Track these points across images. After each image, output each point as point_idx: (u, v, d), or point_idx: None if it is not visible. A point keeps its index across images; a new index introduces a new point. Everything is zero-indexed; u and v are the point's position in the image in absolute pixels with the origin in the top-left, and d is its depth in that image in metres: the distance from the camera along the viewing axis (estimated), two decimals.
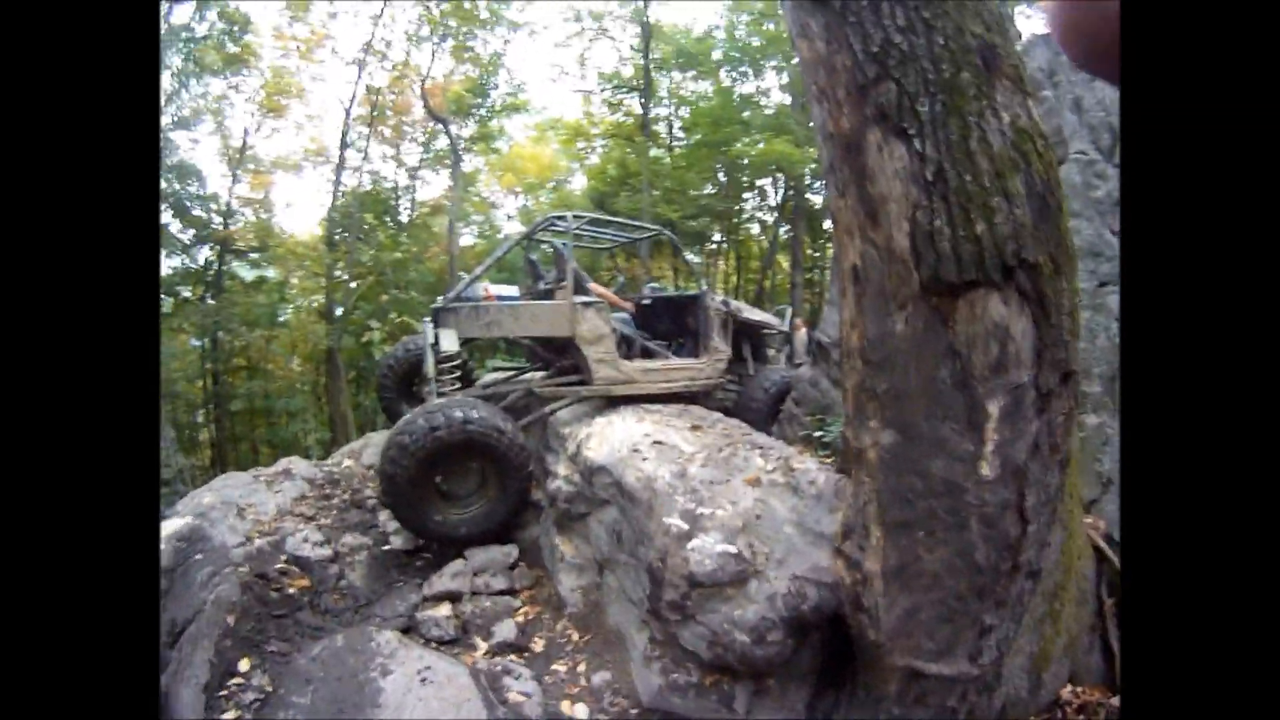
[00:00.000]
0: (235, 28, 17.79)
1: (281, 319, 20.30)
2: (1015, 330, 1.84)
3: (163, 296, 19.06)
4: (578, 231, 6.10)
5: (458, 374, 5.47)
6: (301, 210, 35.84)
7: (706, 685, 3.21)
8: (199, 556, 4.78)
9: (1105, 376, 3.37)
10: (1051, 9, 0.33)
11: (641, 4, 19.72)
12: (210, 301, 18.94)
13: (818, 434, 4.78)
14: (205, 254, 19.67)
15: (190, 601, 4.33)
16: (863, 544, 2.35)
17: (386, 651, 4.05)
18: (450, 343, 5.21)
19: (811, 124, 2.90)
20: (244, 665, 3.92)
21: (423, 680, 3.75)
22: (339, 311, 19.53)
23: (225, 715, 3.54)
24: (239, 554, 4.83)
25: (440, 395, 5.17)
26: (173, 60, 16.84)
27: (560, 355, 6.08)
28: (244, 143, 19.75)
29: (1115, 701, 3.07)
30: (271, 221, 21.13)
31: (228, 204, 19.69)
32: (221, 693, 3.68)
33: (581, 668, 4.03)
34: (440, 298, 5.63)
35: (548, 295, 5.72)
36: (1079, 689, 3.11)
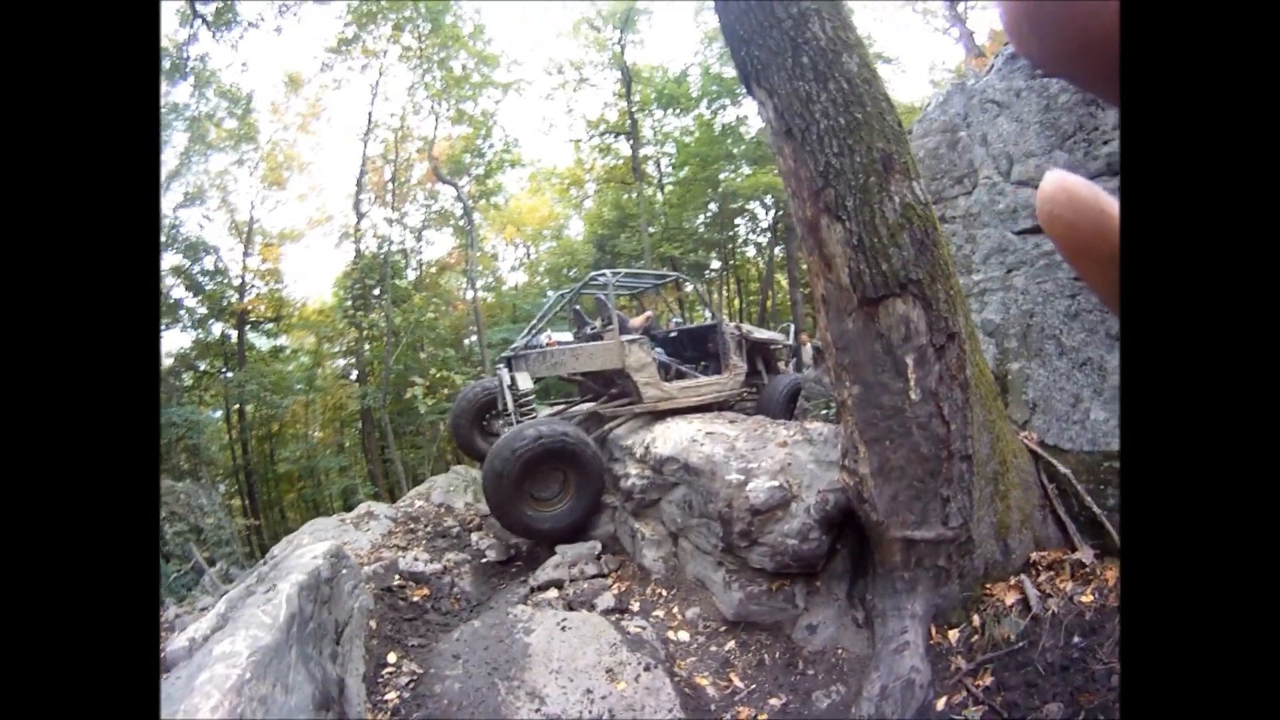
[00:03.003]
0: (237, 105, 19.65)
1: (298, 386, 22.01)
2: (912, 316, 3.55)
3: (182, 371, 20.88)
4: (616, 284, 7.85)
5: (531, 409, 7.12)
6: (310, 279, 37.83)
7: (774, 591, 4.82)
8: (345, 571, 5.76)
9: (1018, 335, 5.06)
10: (1009, 8, 0.32)
11: (619, 49, 21.83)
12: (229, 375, 20.70)
13: (823, 412, 6.51)
14: (219, 327, 21.54)
15: (345, 607, 5.30)
16: (855, 458, 4.04)
17: (524, 618, 5.55)
18: (526, 383, 6.89)
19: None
20: (391, 658, 5.14)
21: (563, 628, 5.27)
22: (357, 373, 21.36)
23: (387, 696, 4.68)
24: (365, 573, 6.02)
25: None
26: (176, 139, 18.57)
27: (609, 385, 7.79)
28: (251, 216, 21.81)
29: (1076, 555, 4.32)
30: (284, 292, 23.16)
31: (240, 277, 21.57)
32: (379, 679, 4.86)
33: (675, 609, 5.58)
34: (510, 347, 7.34)
35: (597, 337, 7.46)
36: (1044, 552, 4.46)
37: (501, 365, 7.14)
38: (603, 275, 7.67)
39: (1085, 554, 4.31)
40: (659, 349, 7.98)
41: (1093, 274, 0.35)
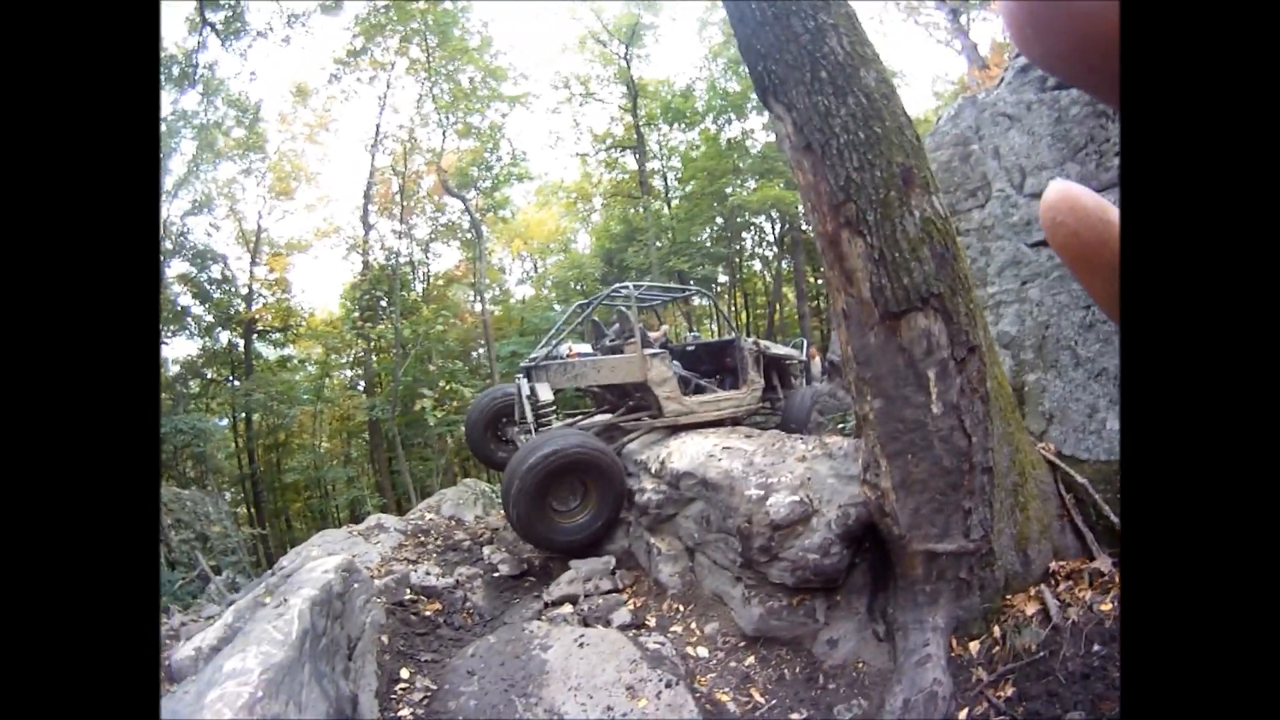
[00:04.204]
0: (245, 114, 19.83)
1: (305, 396, 22.18)
2: (934, 330, 3.59)
3: (189, 378, 21.06)
4: (636, 297, 7.92)
5: (551, 419, 7.14)
6: (318, 290, 38.08)
7: (794, 605, 4.83)
8: (356, 585, 5.70)
9: (1034, 346, 5.10)
10: (1010, 7, 0.31)
11: (625, 63, 22.05)
12: (236, 383, 20.85)
13: (839, 426, 6.53)
14: (226, 336, 21.76)
15: (357, 622, 5.30)
16: (876, 472, 4.06)
17: (541, 634, 5.53)
18: (546, 394, 6.92)
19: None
20: (405, 673, 5.11)
21: (580, 644, 5.24)
22: (365, 385, 21.46)
23: (401, 713, 4.64)
24: (376, 587, 5.94)
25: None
26: (185, 146, 18.64)
27: (626, 397, 7.82)
28: (258, 226, 22.02)
29: (1094, 564, 4.31)
30: (291, 302, 23.35)
31: (247, 286, 21.80)
32: (392, 696, 4.82)
33: (693, 624, 5.58)
34: (529, 358, 7.37)
35: (616, 350, 7.50)
36: (1062, 562, 4.48)
37: (521, 375, 7.18)
38: (624, 288, 7.75)
39: (1104, 563, 4.32)
40: (676, 363, 8.03)
41: (1095, 283, 0.35)
